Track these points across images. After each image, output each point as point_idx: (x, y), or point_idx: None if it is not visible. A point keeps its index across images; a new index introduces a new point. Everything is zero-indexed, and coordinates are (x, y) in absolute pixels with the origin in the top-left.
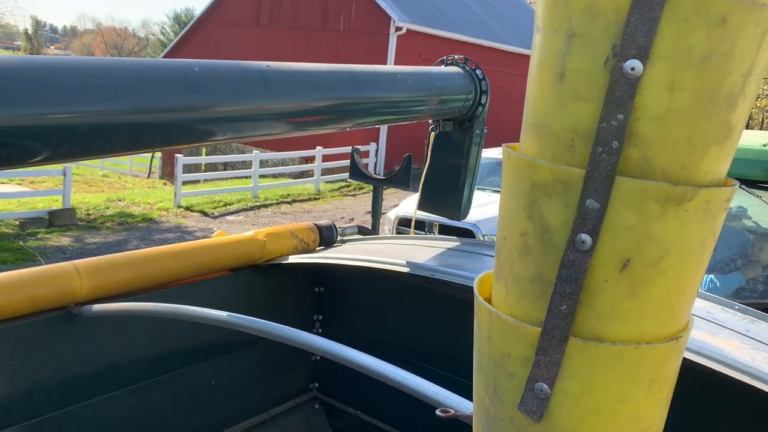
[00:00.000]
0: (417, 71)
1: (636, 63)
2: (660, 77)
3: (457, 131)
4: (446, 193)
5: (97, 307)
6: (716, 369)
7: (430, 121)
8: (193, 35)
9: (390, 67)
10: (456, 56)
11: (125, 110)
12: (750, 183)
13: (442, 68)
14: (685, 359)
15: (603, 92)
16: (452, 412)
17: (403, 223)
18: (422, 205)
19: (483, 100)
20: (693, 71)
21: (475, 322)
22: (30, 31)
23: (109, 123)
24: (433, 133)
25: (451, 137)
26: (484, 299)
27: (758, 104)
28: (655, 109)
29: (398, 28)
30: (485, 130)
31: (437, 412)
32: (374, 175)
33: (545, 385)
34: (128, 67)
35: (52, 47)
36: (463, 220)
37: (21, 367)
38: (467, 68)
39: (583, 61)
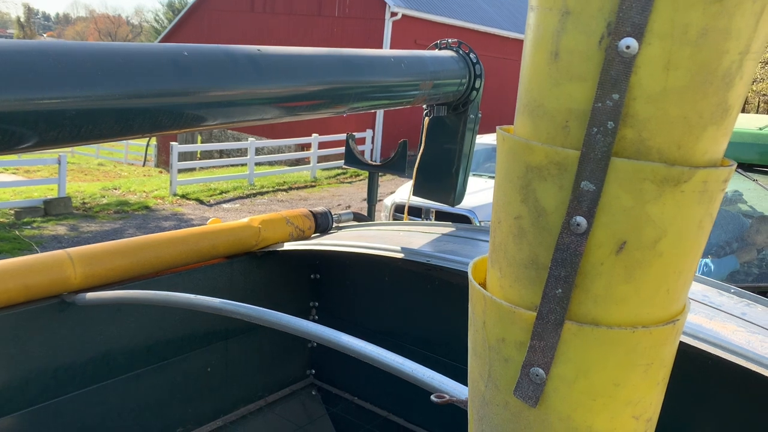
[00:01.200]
0: (410, 55)
1: (631, 41)
2: (656, 55)
3: (452, 116)
4: (441, 178)
5: (91, 295)
6: (712, 352)
7: (424, 106)
8: (187, 22)
9: (383, 51)
10: (450, 40)
11: (114, 95)
12: (746, 167)
13: (436, 52)
14: (680, 343)
15: (598, 71)
16: (447, 397)
17: (400, 210)
18: (417, 191)
19: (477, 85)
20: (689, 49)
21: (469, 307)
22: (22, 19)
23: (97, 108)
24: (427, 118)
25: (446, 122)
26: (479, 284)
27: (754, 88)
28: (650, 88)
29: (393, 14)
30: (480, 115)
31: (432, 397)
32: (370, 162)
33: (541, 370)
34: (117, 51)
35: (45, 35)
36: (459, 207)
37: (15, 356)
38: (461, 52)
39: (578, 39)
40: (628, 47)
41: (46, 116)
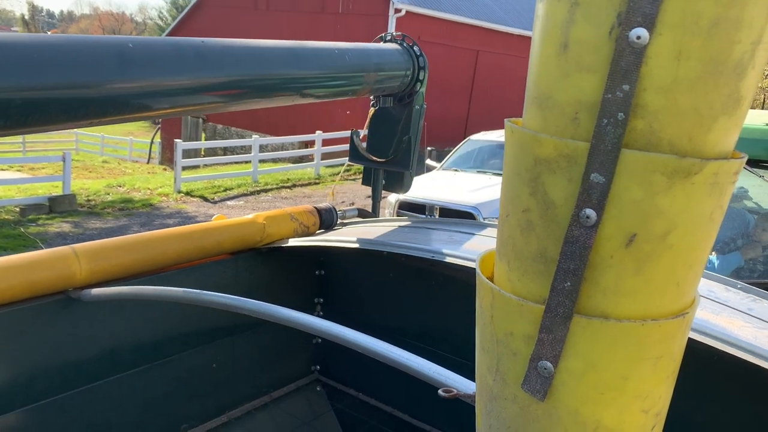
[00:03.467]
0: (354, 47)
1: (642, 31)
2: (667, 46)
3: (397, 107)
4: (390, 167)
5: (96, 291)
6: (719, 348)
7: (371, 97)
8: (190, 19)
9: (328, 43)
10: (394, 33)
11: (59, 85)
12: (752, 163)
13: (380, 45)
14: (687, 338)
15: (608, 62)
16: (455, 392)
17: (404, 207)
18: (366, 180)
19: (421, 76)
20: (701, 39)
21: (477, 300)
22: (27, 17)
23: (43, 98)
24: (373, 108)
25: (392, 113)
26: (487, 278)
27: (760, 84)
28: (661, 79)
29: (397, 10)
30: (425, 106)
31: (440, 392)
32: (374, 158)
33: (549, 364)
34: (63, 43)
35: (49, 32)
36: (464, 203)
37: (20, 352)
38: (405, 45)
39: (588, 30)
40: (638, 37)
41: None
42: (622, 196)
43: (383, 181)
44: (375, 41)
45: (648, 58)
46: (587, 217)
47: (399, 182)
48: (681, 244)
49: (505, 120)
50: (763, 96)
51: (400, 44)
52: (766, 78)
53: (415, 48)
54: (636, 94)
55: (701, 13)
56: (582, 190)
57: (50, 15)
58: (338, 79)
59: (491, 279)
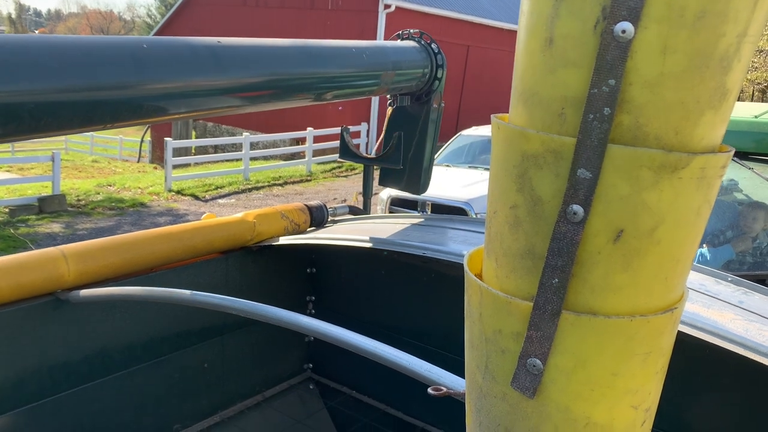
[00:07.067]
0: (372, 46)
1: (627, 25)
2: (652, 40)
3: (415, 106)
4: (406, 167)
5: (85, 292)
6: (710, 341)
7: (388, 95)
8: (179, 17)
9: (345, 42)
10: (412, 30)
11: (73, 88)
12: (741, 155)
13: (398, 42)
14: (678, 332)
15: (593, 57)
16: (444, 390)
17: (396, 203)
18: (382, 181)
19: (439, 74)
20: (686, 32)
21: (465, 298)
22: (13, 16)
23: (56, 101)
24: (390, 107)
25: (409, 112)
26: (475, 275)
27: (749, 77)
28: (647, 73)
29: (387, 6)
30: (443, 105)
31: (429, 390)
32: (365, 155)
33: (538, 361)
34: (76, 45)
35: (36, 31)
36: (456, 199)
37: (9, 354)
38: (423, 42)
39: (572, 25)
40: (623, 32)
41: (4, 109)
42: (609, 192)
43: (389, 181)
44: (392, 38)
45: (633, 52)
46: (574, 213)
47: (413, 182)
48: (669, 240)
49: (492, 116)
50: (752, 88)
51: (418, 42)
52: (755, 70)
53: (433, 45)
54: (622, 89)
55: (686, 6)
56: (569, 186)
57: (37, 14)
58: (356, 79)
59: (479, 276)
